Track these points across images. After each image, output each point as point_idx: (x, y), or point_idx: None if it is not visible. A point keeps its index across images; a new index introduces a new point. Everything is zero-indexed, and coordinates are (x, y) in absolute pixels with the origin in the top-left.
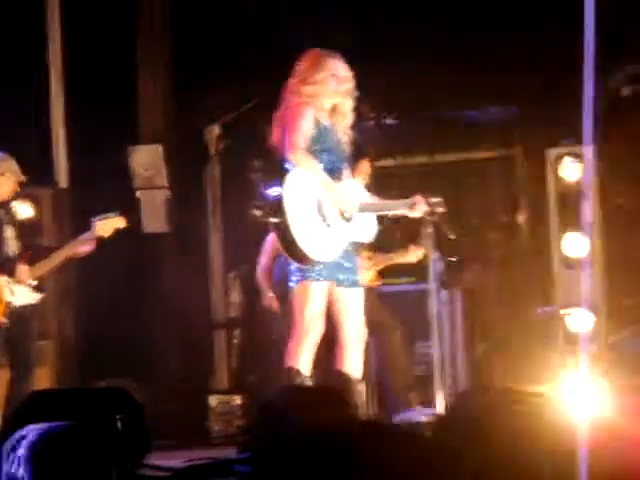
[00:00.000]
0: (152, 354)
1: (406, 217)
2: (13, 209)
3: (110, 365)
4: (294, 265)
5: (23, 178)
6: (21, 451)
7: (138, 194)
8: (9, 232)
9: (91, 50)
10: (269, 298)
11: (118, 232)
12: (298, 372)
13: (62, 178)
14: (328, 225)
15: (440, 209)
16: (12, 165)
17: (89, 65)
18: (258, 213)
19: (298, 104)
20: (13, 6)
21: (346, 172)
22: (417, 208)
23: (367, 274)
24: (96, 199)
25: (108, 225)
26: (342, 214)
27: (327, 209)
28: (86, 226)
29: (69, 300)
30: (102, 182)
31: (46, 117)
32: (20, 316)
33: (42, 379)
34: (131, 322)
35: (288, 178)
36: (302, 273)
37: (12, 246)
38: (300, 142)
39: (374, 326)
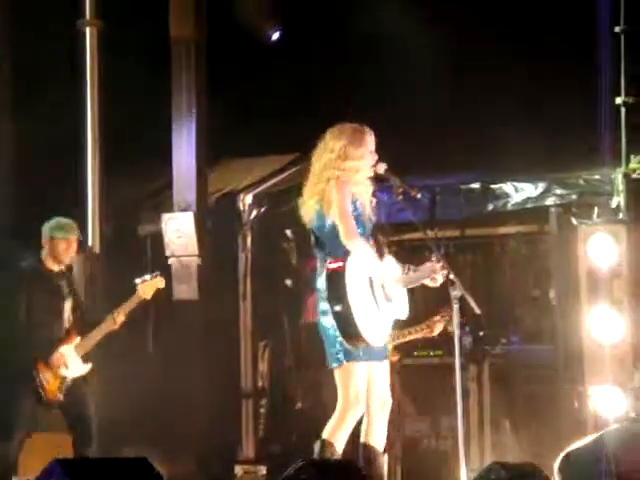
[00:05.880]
0: (179, 421)
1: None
2: (72, 278)
3: (136, 432)
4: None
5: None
6: None
7: (170, 261)
8: (68, 304)
9: (125, 115)
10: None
11: (153, 296)
12: (331, 446)
13: (96, 243)
14: (378, 307)
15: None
16: (77, 231)
17: (123, 129)
18: (290, 283)
19: (343, 182)
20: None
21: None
22: (437, 278)
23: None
24: (128, 265)
25: (149, 287)
26: (386, 294)
27: (377, 290)
28: (118, 292)
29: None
30: (134, 248)
31: (81, 183)
32: (75, 389)
33: (66, 445)
34: (158, 389)
35: (347, 266)
36: (348, 354)
37: (69, 318)
38: (354, 226)
39: None
